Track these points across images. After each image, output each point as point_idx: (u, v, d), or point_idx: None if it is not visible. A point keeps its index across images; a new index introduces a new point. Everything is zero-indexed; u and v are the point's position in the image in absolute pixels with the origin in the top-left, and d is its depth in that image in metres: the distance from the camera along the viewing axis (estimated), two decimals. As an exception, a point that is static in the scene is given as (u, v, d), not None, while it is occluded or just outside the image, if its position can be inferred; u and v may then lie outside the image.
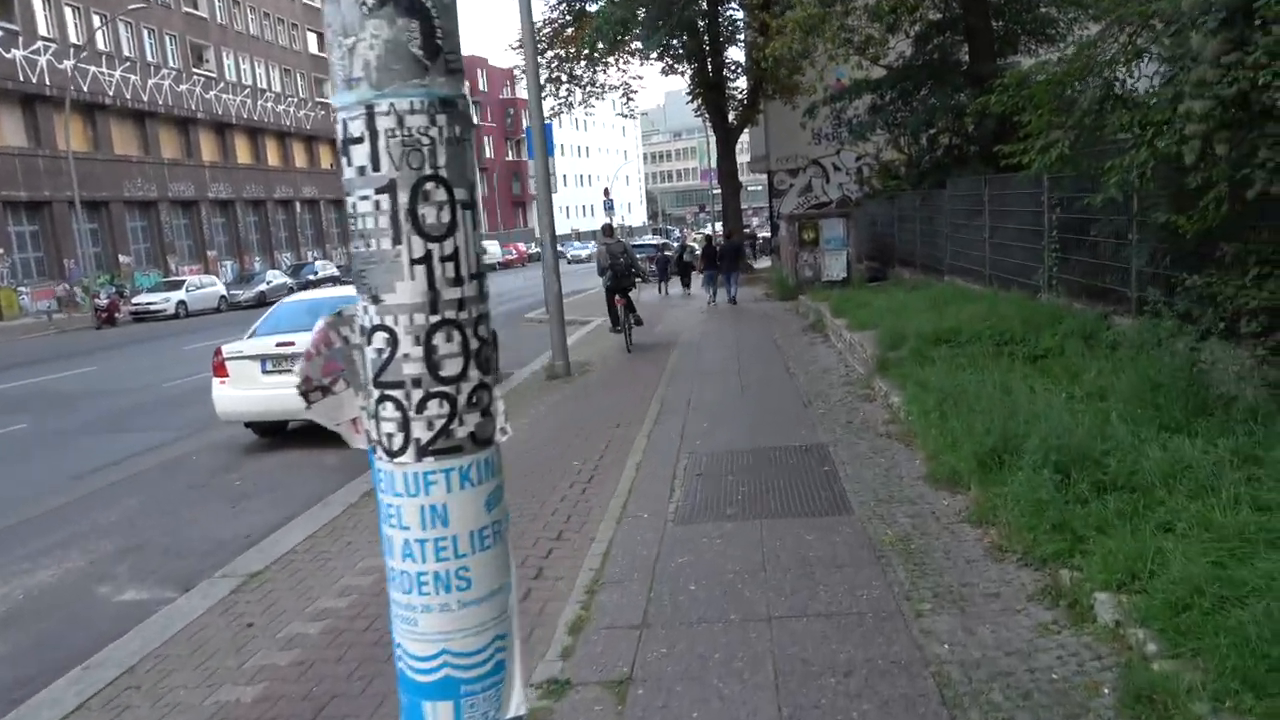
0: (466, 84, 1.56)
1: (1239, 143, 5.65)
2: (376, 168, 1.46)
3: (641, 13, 23.49)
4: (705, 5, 27.06)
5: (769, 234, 36.70)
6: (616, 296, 14.96)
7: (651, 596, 4.70)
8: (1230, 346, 6.73)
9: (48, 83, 36.95)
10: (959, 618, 4.16)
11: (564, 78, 29.41)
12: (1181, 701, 3.21)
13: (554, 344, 12.56)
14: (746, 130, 32.48)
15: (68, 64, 37.16)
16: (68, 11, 39.11)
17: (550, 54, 28.80)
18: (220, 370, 9.84)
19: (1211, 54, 5.40)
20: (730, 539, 5.42)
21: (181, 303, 35.51)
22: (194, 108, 46.93)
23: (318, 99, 59.69)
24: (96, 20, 39.96)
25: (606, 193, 36.43)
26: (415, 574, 1.58)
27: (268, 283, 41.17)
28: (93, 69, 39.76)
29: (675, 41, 27.26)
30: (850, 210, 23.71)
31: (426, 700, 1.60)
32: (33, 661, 4.91)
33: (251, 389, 9.62)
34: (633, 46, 27.82)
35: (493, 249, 68.35)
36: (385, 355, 1.53)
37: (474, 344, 1.56)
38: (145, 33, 43.82)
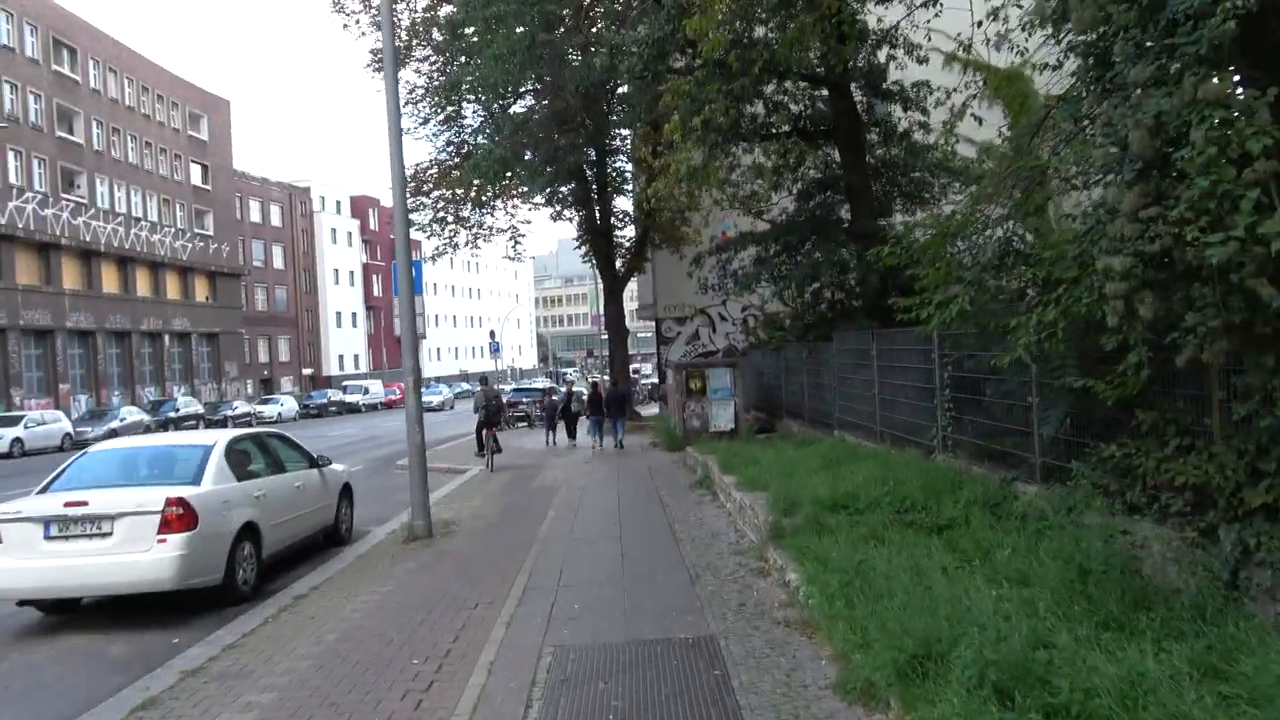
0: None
1: (1163, 304, 5.12)
2: None
3: (527, 155, 23.25)
4: (594, 155, 27.25)
5: (657, 380, 36.33)
6: (485, 429, 19.85)
7: None
8: (1157, 527, 6.08)
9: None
10: None
11: (450, 218, 28.88)
12: None
13: (414, 502, 11.23)
14: (635, 278, 32.47)
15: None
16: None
17: (435, 194, 28.33)
18: (-10, 535, 8.15)
19: (1129, 207, 4.89)
20: (595, 783, 4.22)
21: (17, 440, 32.35)
22: (58, 233, 44.47)
23: (197, 230, 57.82)
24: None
25: (492, 335, 35.67)
26: None
27: (121, 419, 38.24)
28: (-58, 189, 37.31)
29: (564, 189, 27.22)
30: (737, 360, 23.40)
31: None
32: None
33: (29, 559, 7.96)
34: (519, 190, 27.64)
35: (375, 388, 66.22)
36: None
37: None
38: (11, 155, 41.67)
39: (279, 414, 50.44)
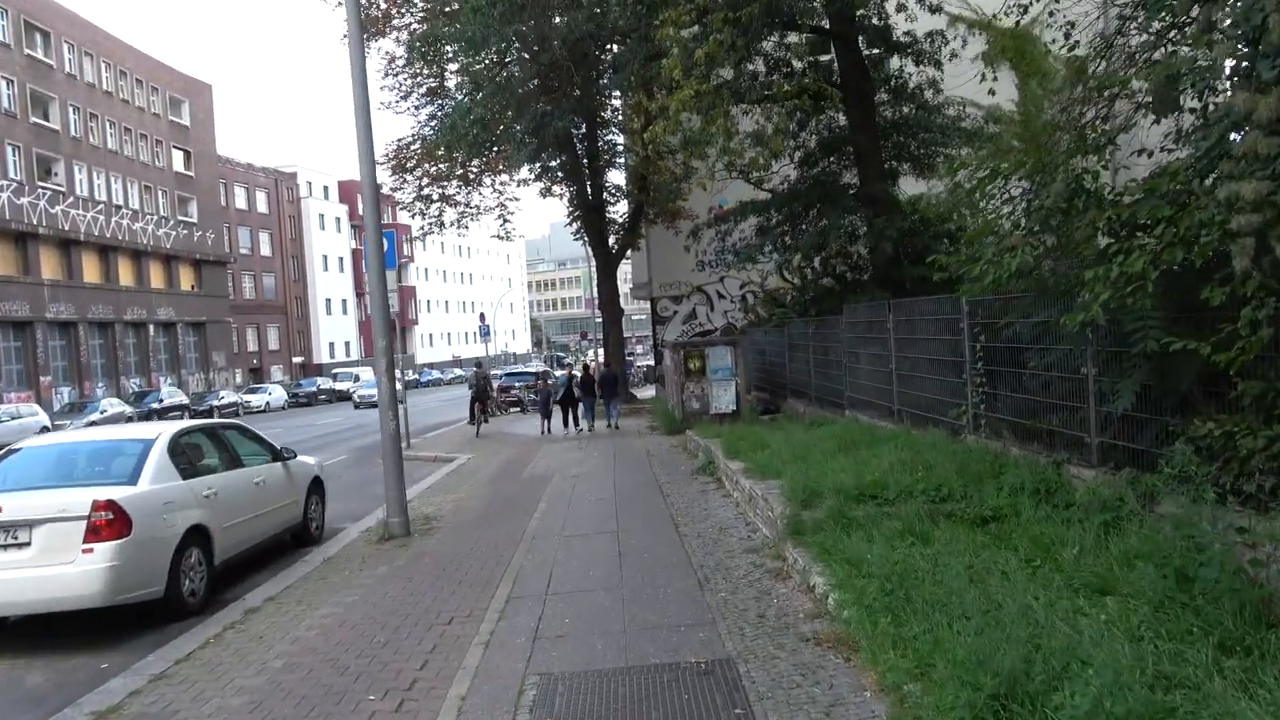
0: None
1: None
2: None
3: (510, 115, 21.68)
4: (584, 127, 26.04)
5: (653, 362, 35.23)
6: (476, 404, 24.22)
7: None
8: (1266, 519, 5.02)
9: None
10: None
11: (435, 196, 27.65)
12: None
13: (389, 498, 10.14)
14: (629, 257, 31.31)
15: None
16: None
17: (419, 171, 27.11)
18: (-105, 547, 7.06)
19: (1267, 115, 3.79)
20: None
21: (-15, 436, 31.10)
22: (35, 222, 43.12)
23: (180, 218, 56.45)
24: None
25: (482, 318, 34.49)
26: None
27: (101, 412, 37.04)
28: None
29: (553, 162, 26.00)
30: (737, 338, 22.25)
31: None
32: None
33: (-64, 574, 6.87)
34: (504, 166, 26.38)
35: (365, 376, 64.95)
36: None
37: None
38: (-17, 143, 40.33)
39: (267, 403, 49.34)
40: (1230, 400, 5.34)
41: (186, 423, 9.63)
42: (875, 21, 14.93)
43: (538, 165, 25.77)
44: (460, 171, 27.34)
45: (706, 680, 5.02)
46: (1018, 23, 10.85)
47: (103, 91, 49.80)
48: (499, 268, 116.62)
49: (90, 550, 6.95)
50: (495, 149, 24.29)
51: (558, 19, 19.65)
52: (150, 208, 53.50)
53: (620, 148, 28.14)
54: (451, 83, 24.99)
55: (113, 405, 38.79)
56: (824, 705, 4.55)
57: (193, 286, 58.01)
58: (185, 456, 8.44)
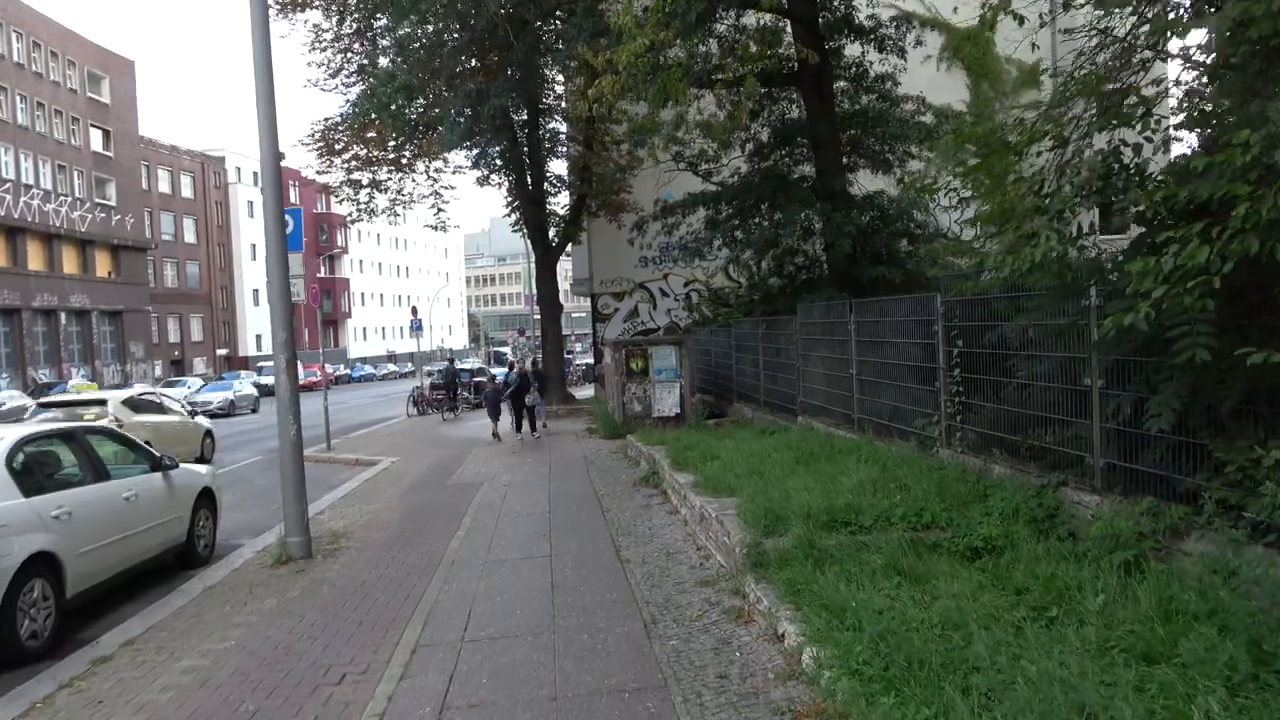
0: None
1: None
2: None
3: (441, 85, 19.97)
4: (525, 115, 24.74)
5: (592, 360, 34.04)
6: (446, 393, 27.38)
7: None
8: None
9: None
10: None
11: (364, 181, 26.04)
12: None
13: (287, 514, 8.82)
14: (569, 253, 30.06)
15: None
16: None
17: (348, 153, 25.47)
18: None
19: None
20: None
21: None
22: (-69, 201, 40.26)
23: (98, 200, 53.50)
24: None
25: (414, 312, 32.82)
26: None
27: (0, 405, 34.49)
28: None
29: (492, 149, 24.62)
30: (683, 338, 21.20)
31: None
32: None
33: None
34: (437, 151, 24.87)
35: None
36: None
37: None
38: None
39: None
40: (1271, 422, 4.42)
41: (34, 427, 8.12)
42: (837, 3, 13.95)
43: (475, 151, 24.37)
44: (392, 156, 25.79)
45: (658, 777, 3.91)
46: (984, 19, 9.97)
47: (13, 63, 46.80)
48: (437, 262, 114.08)
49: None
50: (426, 128, 22.76)
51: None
52: (64, 189, 50.50)
53: (563, 136, 26.88)
54: (385, 61, 23.46)
55: (13, 398, 36.20)
56: (815, 823, 3.47)
57: (110, 273, 55.03)
58: (31, 469, 7.05)
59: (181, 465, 9.31)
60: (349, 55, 23.60)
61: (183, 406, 20.90)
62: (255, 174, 78.73)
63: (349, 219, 27.85)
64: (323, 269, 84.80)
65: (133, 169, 58.53)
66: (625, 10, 10.56)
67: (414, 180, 27.49)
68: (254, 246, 76.12)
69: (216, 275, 71.44)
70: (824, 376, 12.69)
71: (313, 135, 25.07)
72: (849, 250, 14.00)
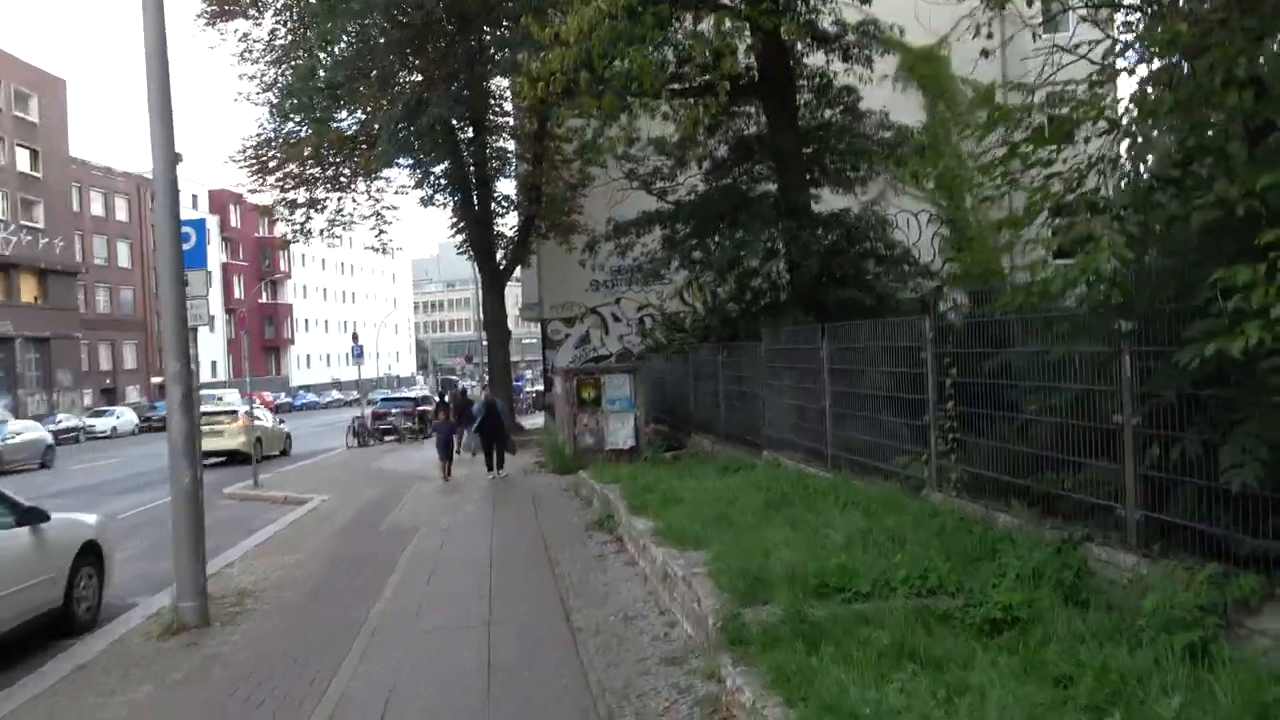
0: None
1: None
2: None
3: (374, 85, 18.46)
4: (471, 132, 23.65)
5: (542, 388, 32.80)
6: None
7: None
8: None
9: None
10: None
11: (299, 200, 24.65)
12: None
13: (180, 574, 7.52)
14: (518, 277, 28.93)
15: None
16: None
17: (281, 172, 24.10)
18: None
19: None
20: None
21: None
22: None
23: (24, 222, 51.09)
24: None
25: (355, 338, 31.35)
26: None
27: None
28: None
29: (436, 169, 23.47)
30: (637, 365, 20.13)
31: None
32: None
33: None
34: (377, 169, 23.58)
35: (231, 398, 60.15)
36: None
37: None
38: None
39: (114, 428, 44.71)
40: None
41: None
42: (801, 8, 13.09)
43: (418, 170, 23.17)
44: (330, 174, 24.48)
45: None
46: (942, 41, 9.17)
47: (-69, 79, 44.63)
48: (384, 287, 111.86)
49: None
50: (366, 143, 21.48)
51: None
52: (-13, 210, 48.20)
53: (510, 155, 25.81)
54: (323, 73, 22.24)
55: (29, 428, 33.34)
56: None
57: (36, 298, 52.55)
58: None
59: (57, 517, 7.97)
60: (281, 67, 22.32)
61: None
62: (195, 197, 76.60)
63: (286, 239, 26.40)
64: (264, 294, 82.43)
65: (63, 190, 56.19)
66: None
67: (354, 200, 26.20)
68: (192, 271, 73.63)
69: (151, 301, 68.74)
70: (792, 408, 11.71)
71: (243, 151, 23.67)
72: (816, 271, 13.10)
